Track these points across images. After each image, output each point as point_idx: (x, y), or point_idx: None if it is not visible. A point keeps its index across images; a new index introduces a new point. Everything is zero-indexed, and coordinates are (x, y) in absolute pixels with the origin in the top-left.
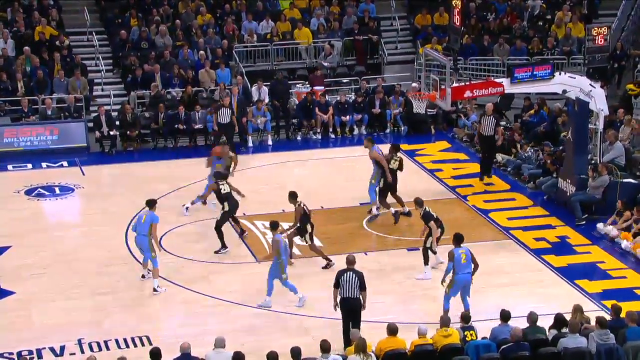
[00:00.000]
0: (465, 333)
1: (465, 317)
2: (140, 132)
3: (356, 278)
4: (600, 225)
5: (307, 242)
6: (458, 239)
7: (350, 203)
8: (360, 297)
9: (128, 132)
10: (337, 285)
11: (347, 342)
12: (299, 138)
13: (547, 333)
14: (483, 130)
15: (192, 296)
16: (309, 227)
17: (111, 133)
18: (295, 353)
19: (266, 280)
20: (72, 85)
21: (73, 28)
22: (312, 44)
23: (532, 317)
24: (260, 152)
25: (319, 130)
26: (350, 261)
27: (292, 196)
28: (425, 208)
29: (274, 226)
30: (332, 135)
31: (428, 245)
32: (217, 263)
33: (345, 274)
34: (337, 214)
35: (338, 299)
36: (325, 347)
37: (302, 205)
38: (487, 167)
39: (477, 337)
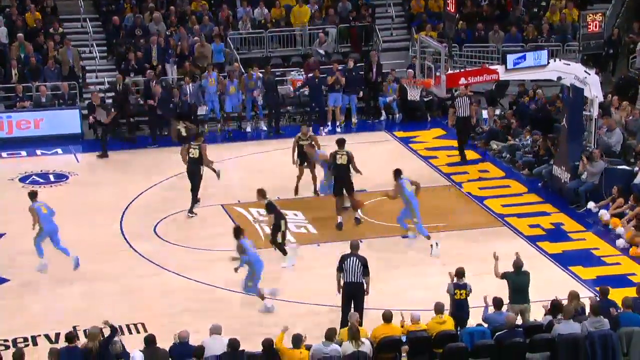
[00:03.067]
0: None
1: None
2: (134, 117)
3: (359, 263)
4: (592, 204)
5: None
6: (237, 233)
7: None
8: (364, 282)
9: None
10: (340, 269)
11: (342, 324)
12: (325, 132)
13: (542, 318)
14: (459, 112)
15: (187, 283)
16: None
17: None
18: (296, 339)
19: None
20: (62, 55)
21: (67, 15)
22: (307, 29)
23: (517, 264)
24: (255, 139)
25: (328, 126)
26: (354, 246)
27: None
28: (269, 199)
29: (31, 195)
30: (329, 124)
31: (279, 240)
32: (210, 250)
33: (348, 259)
34: (332, 201)
35: (341, 283)
36: (329, 335)
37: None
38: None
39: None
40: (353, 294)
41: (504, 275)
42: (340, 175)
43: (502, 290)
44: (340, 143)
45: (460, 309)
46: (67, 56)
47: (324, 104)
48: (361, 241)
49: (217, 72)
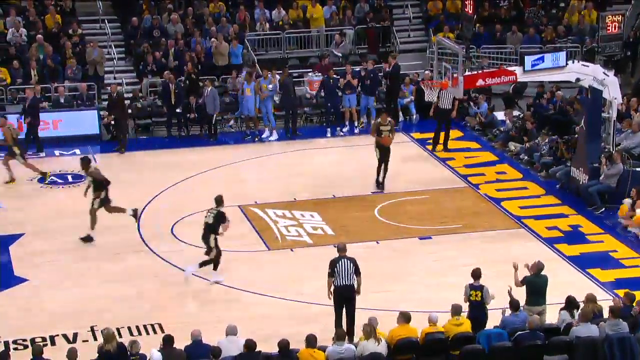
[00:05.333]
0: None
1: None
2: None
3: (351, 264)
4: (628, 201)
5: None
6: None
7: (361, 192)
8: (355, 283)
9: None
10: (332, 274)
11: (337, 326)
12: (342, 133)
13: (558, 314)
14: (441, 103)
15: (203, 284)
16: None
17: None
18: (310, 340)
19: None
20: (89, 54)
21: (86, 16)
22: (324, 30)
23: (538, 266)
24: (272, 140)
25: (346, 126)
26: (342, 248)
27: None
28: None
29: None
30: (347, 123)
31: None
32: (227, 251)
33: (340, 262)
34: (348, 203)
35: (332, 288)
36: (340, 336)
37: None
38: (445, 140)
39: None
40: (346, 297)
41: (524, 280)
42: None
43: (519, 292)
44: (86, 161)
45: (475, 311)
46: (93, 56)
47: (339, 104)
48: (378, 242)
49: (235, 72)
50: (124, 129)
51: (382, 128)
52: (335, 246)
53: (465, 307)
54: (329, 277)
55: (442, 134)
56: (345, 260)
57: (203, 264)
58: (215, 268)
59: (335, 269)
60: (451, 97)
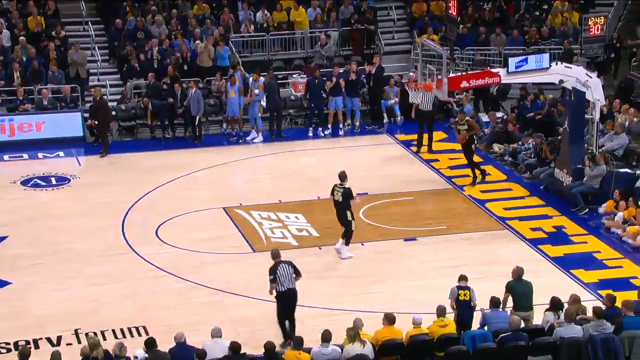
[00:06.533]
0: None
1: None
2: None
3: (290, 268)
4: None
5: None
6: None
7: None
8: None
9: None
10: (274, 280)
11: (286, 335)
12: (310, 134)
13: (543, 315)
14: (422, 105)
15: (187, 286)
16: None
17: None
18: (296, 342)
19: None
20: (70, 57)
21: (69, 18)
22: (309, 32)
23: (519, 272)
24: (258, 142)
25: (329, 126)
26: (276, 254)
27: None
28: None
29: None
30: (329, 126)
31: None
32: (212, 253)
33: (279, 268)
34: (333, 205)
35: (275, 294)
36: (326, 337)
37: None
38: (429, 142)
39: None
40: (292, 300)
41: (507, 287)
42: None
43: (501, 294)
44: None
45: (463, 310)
46: (74, 58)
47: (323, 106)
48: (362, 244)
49: (220, 75)
50: (106, 133)
51: (459, 127)
52: (271, 253)
53: (449, 308)
54: (271, 283)
55: (426, 136)
56: (285, 265)
57: (347, 241)
58: (347, 243)
59: (277, 275)
60: (432, 98)
